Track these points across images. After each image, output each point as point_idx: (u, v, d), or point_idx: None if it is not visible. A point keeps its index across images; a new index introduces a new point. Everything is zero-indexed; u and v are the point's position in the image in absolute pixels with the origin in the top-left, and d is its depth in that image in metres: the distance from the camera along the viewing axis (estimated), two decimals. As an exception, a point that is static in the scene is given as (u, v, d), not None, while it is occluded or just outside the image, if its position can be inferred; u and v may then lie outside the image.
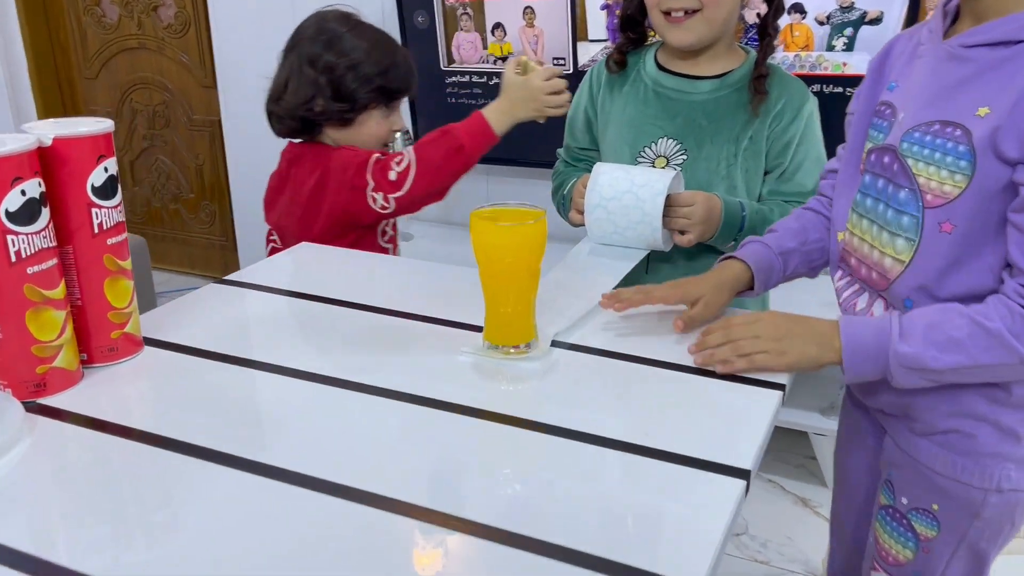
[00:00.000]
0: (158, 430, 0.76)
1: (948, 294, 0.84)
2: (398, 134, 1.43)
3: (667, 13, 1.18)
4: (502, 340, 0.91)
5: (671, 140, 1.24)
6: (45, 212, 0.79)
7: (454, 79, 2.26)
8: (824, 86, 1.86)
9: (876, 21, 1.78)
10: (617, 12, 2.01)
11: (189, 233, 3.31)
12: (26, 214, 0.77)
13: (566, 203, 1.29)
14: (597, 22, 2.02)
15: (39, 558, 0.61)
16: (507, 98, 1.26)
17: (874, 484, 1.05)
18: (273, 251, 1.43)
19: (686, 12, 1.16)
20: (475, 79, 2.22)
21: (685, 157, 1.24)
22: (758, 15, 1.24)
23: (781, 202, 1.23)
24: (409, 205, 1.27)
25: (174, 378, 0.87)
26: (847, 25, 1.81)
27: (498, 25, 2.15)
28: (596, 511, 0.66)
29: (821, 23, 1.82)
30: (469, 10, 2.16)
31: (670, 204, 1.13)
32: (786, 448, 2.13)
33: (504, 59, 2.16)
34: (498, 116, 1.25)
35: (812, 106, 1.24)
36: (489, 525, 0.63)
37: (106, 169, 0.83)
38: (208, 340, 0.94)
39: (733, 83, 1.23)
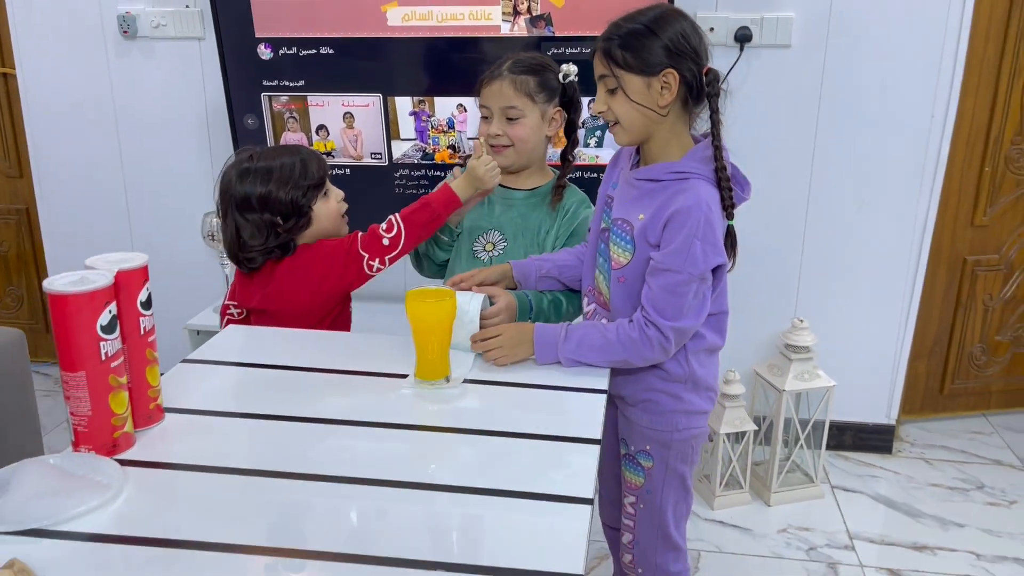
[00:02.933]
0: (216, 462, 1.13)
1: (625, 315, 1.44)
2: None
3: (493, 145, 1.72)
4: (430, 376, 1.36)
5: (496, 232, 1.77)
6: (118, 323, 1.13)
7: (283, 170, 2.61)
8: (584, 173, 2.48)
9: (617, 126, 2.43)
10: (423, 118, 2.51)
11: (-8, 319, 3.32)
12: (111, 327, 1.11)
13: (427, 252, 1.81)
14: (407, 124, 2.51)
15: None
16: (467, 176, 1.66)
17: (618, 440, 1.62)
18: (229, 322, 1.73)
19: (503, 146, 1.72)
20: (302, 170, 2.60)
21: (505, 244, 1.77)
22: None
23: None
24: (394, 262, 1.63)
25: (198, 432, 1.23)
26: (597, 128, 2.45)
27: (322, 126, 2.56)
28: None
29: (579, 127, 2.43)
30: (295, 114, 2.56)
31: (482, 317, 1.51)
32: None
33: (329, 154, 2.58)
34: (462, 188, 1.65)
35: (590, 209, 1.81)
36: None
37: (147, 290, 1.18)
38: (209, 403, 1.30)
39: (541, 194, 1.79)
